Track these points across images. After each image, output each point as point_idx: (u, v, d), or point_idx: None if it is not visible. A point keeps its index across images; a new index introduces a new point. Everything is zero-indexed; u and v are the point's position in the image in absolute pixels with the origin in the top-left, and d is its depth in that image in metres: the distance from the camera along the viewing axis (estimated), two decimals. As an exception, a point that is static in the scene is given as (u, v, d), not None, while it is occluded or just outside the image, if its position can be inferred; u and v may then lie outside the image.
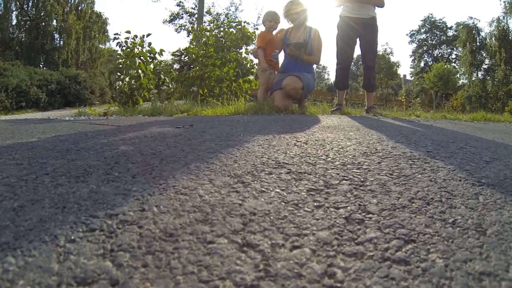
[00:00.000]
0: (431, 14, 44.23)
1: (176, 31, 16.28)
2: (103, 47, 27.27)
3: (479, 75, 20.10)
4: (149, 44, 5.91)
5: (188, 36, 16.40)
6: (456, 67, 39.27)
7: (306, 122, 2.42)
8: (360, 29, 3.93)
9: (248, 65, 5.34)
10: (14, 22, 22.37)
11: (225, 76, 5.03)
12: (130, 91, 4.97)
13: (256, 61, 5.86)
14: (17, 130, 2.06)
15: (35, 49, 21.58)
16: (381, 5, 3.96)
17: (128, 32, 6.05)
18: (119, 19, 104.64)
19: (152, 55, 6.00)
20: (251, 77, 5.26)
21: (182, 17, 16.04)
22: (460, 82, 29.65)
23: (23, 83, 16.72)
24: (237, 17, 16.68)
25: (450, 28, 42.50)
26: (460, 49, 37.41)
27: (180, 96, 5.63)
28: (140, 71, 5.10)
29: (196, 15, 15.77)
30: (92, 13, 24.38)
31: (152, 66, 5.84)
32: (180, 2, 15.77)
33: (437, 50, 43.51)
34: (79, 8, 23.74)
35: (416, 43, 44.55)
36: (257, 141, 1.54)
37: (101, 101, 21.92)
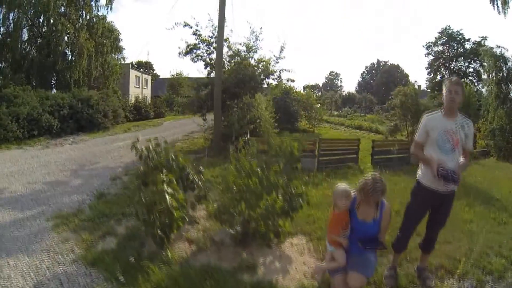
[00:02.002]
0: (449, 26, 42.93)
1: (192, 60, 15.57)
2: (115, 56, 26.70)
3: (505, 108, 19.23)
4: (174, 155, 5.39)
5: (205, 68, 15.72)
6: (474, 81, 38.26)
7: None
8: (437, 203, 3.79)
9: (296, 197, 4.65)
10: (26, 37, 21.86)
11: (271, 210, 4.44)
12: (161, 228, 4.44)
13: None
14: None
15: (47, 68, 21.05)
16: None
17: (149, 141, 5.58)
18: (133, 35, 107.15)
19: (179, 166, 5.47)
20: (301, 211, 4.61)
21: (199, 48, 15.37)
22: (477, 98, 28.67)
23: (34, 111, 16.27)
24: (258, 47, 15.87)
25: (468, 40, 41.29)
26: (477, 64, 36.21)
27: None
28: (169, 199, 4.53)
29: (214, 44, 15.18)
30: (104, 29, 23.83)
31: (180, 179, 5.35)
32: (197, 30, 15.08)
33: (454, 63, 42.41)
34: (91, 24, 23.16)
35: (432, 55, 43.48)
36: None
37: (114, 122, 21.51)
